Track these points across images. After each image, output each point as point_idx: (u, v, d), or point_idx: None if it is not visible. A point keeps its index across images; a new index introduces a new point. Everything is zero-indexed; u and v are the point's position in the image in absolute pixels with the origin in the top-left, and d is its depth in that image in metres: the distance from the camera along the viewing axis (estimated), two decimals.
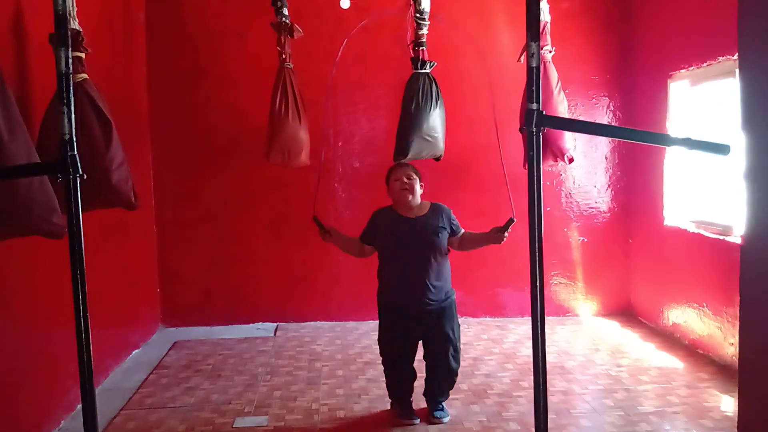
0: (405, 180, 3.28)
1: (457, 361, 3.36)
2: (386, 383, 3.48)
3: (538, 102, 1.88)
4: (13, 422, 2.99)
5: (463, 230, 3.38)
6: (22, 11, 3.11)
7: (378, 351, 3.48)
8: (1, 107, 2.35)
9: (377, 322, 3.45)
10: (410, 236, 3.24)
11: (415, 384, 3.47)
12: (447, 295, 3.30)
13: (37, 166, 2.47)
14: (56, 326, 3.34)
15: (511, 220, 3.06)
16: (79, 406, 3.52)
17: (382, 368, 3.47)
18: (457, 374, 3.40)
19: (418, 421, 3.35)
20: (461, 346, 3.32)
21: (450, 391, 3.46)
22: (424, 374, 3.44)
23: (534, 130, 1.88)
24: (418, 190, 3.31)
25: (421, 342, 3.37)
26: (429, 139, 4.28)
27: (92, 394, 1.78)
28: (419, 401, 3.49)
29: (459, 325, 3.38)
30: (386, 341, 3.37)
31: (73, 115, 1.79)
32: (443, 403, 3.43)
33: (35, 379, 3.19)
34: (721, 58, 4.09)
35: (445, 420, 3.35)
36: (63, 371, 3.39)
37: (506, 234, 3.13)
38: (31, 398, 3.15)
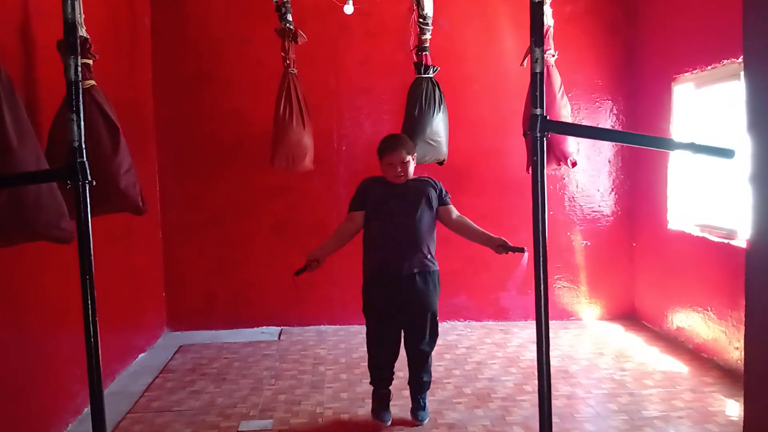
0: (399, 168, 3.22)
1: (435, 334, 3.35)
2: (368, 362, 3.48)
3: (541, 107, 1.89)
4: (21, 425, 3.01)
5: (456, 211, 3.36)
6: (30, 18, 3.14)
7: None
8: (10, 114, 2.37)
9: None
10: (402, 196, 3.25)
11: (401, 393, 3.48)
12: (432, 262, 3.30)
13: (47, 173, 2.49)
14: (64, 331, 3.36)
15: (522, 250, 2.99)
16: (87, 409, 3.56)
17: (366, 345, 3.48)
18: (432, 350, 3.39)
19: (389, 422, 3.38)
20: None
21: (430, 380, 3.46)
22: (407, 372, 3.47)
23: (538, 135, 1.89)
24: (411, 171, 3.28)
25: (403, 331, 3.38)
26: (432, 143, 4.31)
27: (100, 397, 1.79)
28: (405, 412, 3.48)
29: (437, 296, 3.34)
30: (372, 310, 3.35)
31: (82, 123, 1.81)
32: (425, 400, 3.43)
33: (43, 382, 3.21)
34: (725, 60, 4.09)
35: (426, 420, 3.38)
36: (70, 375, 3.40)
37: (507, 253, 3.12)
38: (38, 402, 3.17)
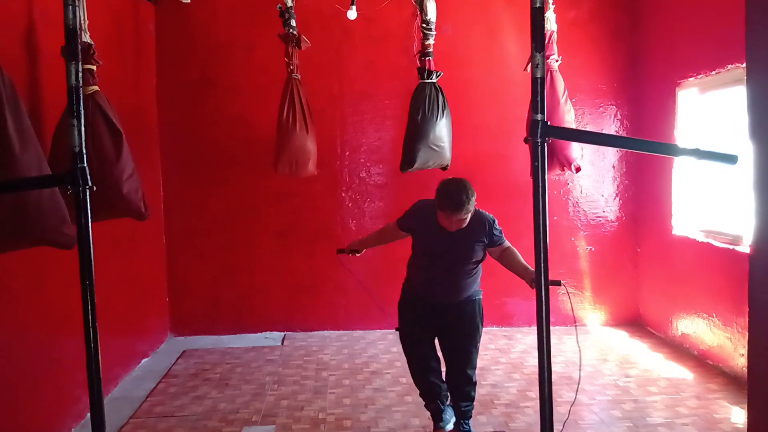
0: (454, 225, 3.06)
1: (475, 359, 3.27)
2: (413, 379, 3.36)
3: (542, 113, 1.88)
4: (24, 430, 3.02)
5: (507, 243, 3.25)
6: (34, 24, 3.17)
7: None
8: (13, 119, 2.38)
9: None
10: (448, 247, 3.16)
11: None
12: (474, 295, 3.27)
13: (48, 178, 2.50)
14: (66, 335, 3.37)
15: (558, 283, 2.78)
16: (89, 414, 3.55)
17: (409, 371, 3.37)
18: (474, 372, 3.27)
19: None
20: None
21: (473, 401, 3.31)
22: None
23: (539, 141, 1.89)
24: (467, 223, 3.12)
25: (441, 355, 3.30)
26: (436, 148, 4.30)
27: (100, 402, 1.79)
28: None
29: (482, 324, 3.29)
30: (408, 330, 3.28)
31: (83, 128, 1.82)
32: (470, 423, 3.30)
33: (45, 387, 3.21)
34: (730, 66, 4.08)
35: None
36: (73, 380, 3.41)
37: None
38: (41, 406, 3.17)
